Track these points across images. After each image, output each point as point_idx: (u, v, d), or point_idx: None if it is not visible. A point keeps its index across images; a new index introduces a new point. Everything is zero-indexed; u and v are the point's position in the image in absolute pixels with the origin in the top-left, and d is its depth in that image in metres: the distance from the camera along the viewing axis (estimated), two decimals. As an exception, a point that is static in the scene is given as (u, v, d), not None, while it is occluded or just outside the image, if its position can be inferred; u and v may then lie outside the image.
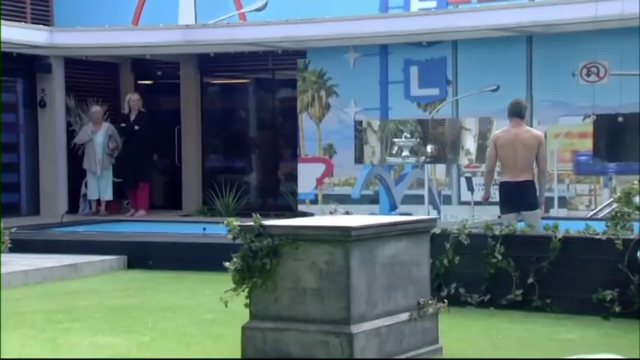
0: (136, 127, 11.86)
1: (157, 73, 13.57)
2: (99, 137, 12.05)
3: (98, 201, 12.27)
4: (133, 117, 11.93)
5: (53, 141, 12.20)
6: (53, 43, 11.50)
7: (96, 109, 12.17)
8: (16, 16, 11.93)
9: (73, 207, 12.20)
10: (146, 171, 12.23)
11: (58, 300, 6.72)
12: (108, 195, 12.18)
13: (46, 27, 11.81)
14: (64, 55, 12.13)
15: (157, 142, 13.60)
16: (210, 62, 12.74)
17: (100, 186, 12.08)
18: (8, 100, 12.21)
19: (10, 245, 7.72)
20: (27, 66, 12.12)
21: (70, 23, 11.98)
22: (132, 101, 11.98)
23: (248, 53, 12.17)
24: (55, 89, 12.20)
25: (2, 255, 7.70)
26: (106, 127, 12.14)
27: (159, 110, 13.70)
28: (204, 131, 13.10)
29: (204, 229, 9.74)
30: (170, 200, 13.34)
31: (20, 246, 8.14)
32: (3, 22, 10.97)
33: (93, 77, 13.06)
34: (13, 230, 8.03)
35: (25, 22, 11.91)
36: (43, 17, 12.39)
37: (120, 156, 12.18)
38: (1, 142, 11.52)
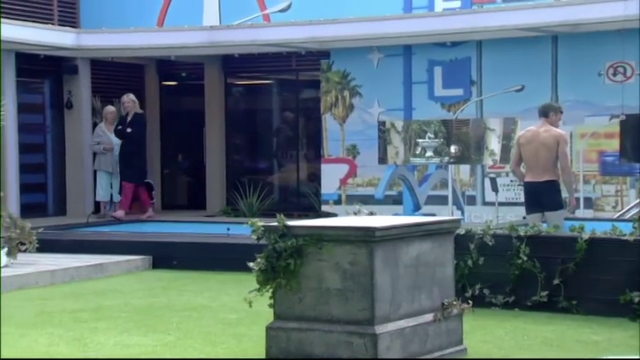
0: (128, 130, 11.44)
1: (181, 74, 13.65)
2: (114, 137, 11.97)
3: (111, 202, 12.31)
4: (128, 119, 11.54)
5: (79, 142, 12.30)
6: (80, 45, 11.59)
7: (111, 108, 12.07)
8: (44, 18, 12.05)
9: (99, 207, 12.28)
10: (134, 173, 11.55)
11: (85, 299, 6.79)
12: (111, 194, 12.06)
13: (72, 29, 11.89)
14: (90, 56, 12.25)
15: (181, 142, 13.72)
16: (235, 63, 12.79)
17: (114, 187, 11.98)
18: (35, 102, 12.35)
19: (37, 245, 7.81)
20: (54, 67, 12.23)
21: (96, 25, 12.07)
22: (124, 103, 11.56)
23: (272, 54, 12.20)
24: (82, 90, 12.31)
25: (30, 255, 7.80)
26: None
27: (183, 111, 13.79)
28: (228, 132, 13.16)
29: (228, 229, 9.79)
30: (194, 200, 13.42)
31: (47, 246, 8.23)
32: (31, 24, 11.11)
33: (118, 78, 13.15)
34: (40, 230, 8.12)
35: (52, 24, 12.03)
36: (69, 19, 12.49)
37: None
38: (1, 144, 11.60)
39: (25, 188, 11.53)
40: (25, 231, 7.75)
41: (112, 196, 12.10)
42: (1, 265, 7.56)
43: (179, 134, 13.72)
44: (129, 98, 11.63)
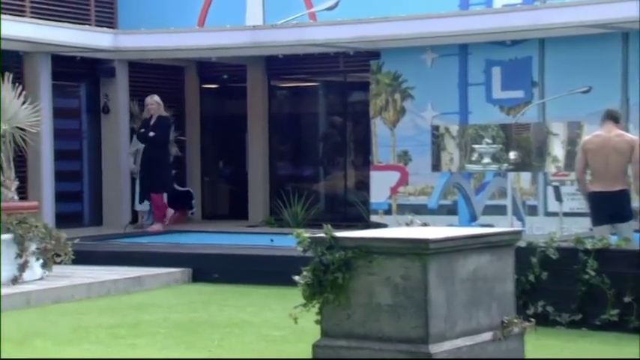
0: (151, 134, 11.33)
1: (222, 76, 13.78)
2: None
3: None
4: (152, 122, 11.44)
5: (117, 148, 12.46)
6: (117, 47, 11.76)
7: (149, 101, 12.04)
8: (80, 18, 12.24)
9: (137, 217, 12.42)
10: (160, 182, 11.47)
11: (122, 314, 6.87)
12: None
13: (110, 30, 12.08)
14: (128, 58, 12.43)
15: (222, 148, 13.84)
16: (279, 64, 12.86)
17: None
18: (71, 106, 12.56)
19: (73, 257, 7.93)
20: (90, 70, 12.44)
21: (135, 26, 12.23)
22: (147, 104, 11.48)
23: (318, 55, 12.24)
24: (119, 94, 12.49)
25: (65, 267, 7.93)
26: None
27: (224, 115, 13.91)
28: (271, 137, 13.24)
29: (272, 240, 9.84)
30: (236, 210, 13.52)
31: (83, 257, 8.36)
32: (67, 25, 11.32)
33: (157, 81, 13.28)
34: (76, 241, 8.24)
35: (89, 25, 12.20)
36: (107, 20, 12.67)
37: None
38: None
39: (60, 197, 11.73)
40: (61, 242, 7.89)
41: (150, 205, 12.25)
42: (36, 277, 7.71)
43: (220, 140, 13.85)
44: (153, 100, 11.46)
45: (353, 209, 12.36)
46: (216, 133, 13.84)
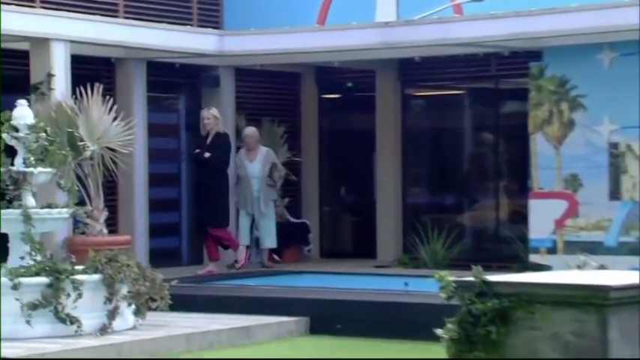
0: (206, 155, 11.38)
1: (346, 84, 13.93)
2: (255, 166, 12.26)
3: (272, 250, 12.60)
4: (208, 141, 11.53)
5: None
6: (222, 50, 12.06)
7: (249, 131, 12.34)
8: (181, 18, 12.57)
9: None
10: (220, 214, 11.49)
11: (227, 371, 7.01)
12: (270, 241, 12.28)
13: (214, 31, 12.39)
14: (234, 64, 12.73)
15: (345, 171, 13.94)
16: (415, 69, 12.89)
17: (260, 229, 12.24)
18: (168, 122, 12.92)
19: (170, 302, 8.10)
20: (191, 79, 12.81)
21: (243, 26, 12.49)
22: (203, 119, 11.55)
23: (464, 56, 12.20)
24: (224, 107, 12.70)
25: (161, 314, 8.12)
26: (264, 152, 12.32)
27: (348, 131, 14.04)
28: (405, 157, 13.26)
29: (407, 284, 9.81)
30: (362, 246, 13.58)
31: (181, 303, 8.54)
32: (165, 26, 11.69)
33: (268, 91, 13.56)
34: (173, 283, 8.45)
35: (190, 25, 12.54)
36: (211, 21, 12.99)
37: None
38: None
39: (155, 230, 12.02)
40: (156, 284, 8.08)
41: (257, 239, 12.47)
42: (128, 326, 7.94)
43: (342, 161, 13.97)
44: (210, 113, 11.53)
45: (507, 247, 12.20)
46: (338, 153, 13.97)
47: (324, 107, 14.01)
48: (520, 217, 12.11)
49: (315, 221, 13.66)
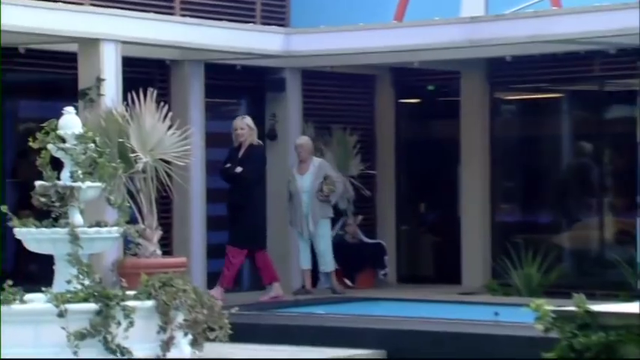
0: (238, 170, 11.23)
1: (426, 87, 13.92)
2: (305, 180, 12.22)
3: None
4: (241, 153, 11.38)
5: (287, 186, 12.57)
6: (289, 51, 12.13)
7: (301, 140, 12.29)
8: (243, 15, 12.66)
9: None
10: (252, 235, 11.30)
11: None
12: (327, 264, 12.22)
13: (280, 29, 12.45)
14: (302, 66, 12.80)
15: (426, 186, 13.90)
16: (506, 70, 12.81)
17: (316, 251, 12.18)
18: (228, 131, 12.88)
19: (229, 331, 8.15)
20: (253, 83, 12.91)
21: (311, 23, 12.55)
22: (237, 129, 11.35)
23: (562, 55, 12.10)
24: (290, 114, 12.85)
25: (221, 345, 8.18)
26: (317, 164, 12.27)
27: (429, 139, 14.01)
28: (494, 169, 13.19)
29: (497, 313, 9.75)
30: (444, 270, 13.53)
31: (243, 332, 8.58)
32: (226, 24, 11.76)
33: (339, 96, 13.61)
34: (233, 310, 8.49)
35: (253, 23, 12.63)
36: (276, 17, 13.10)
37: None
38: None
39: (213, 251, 12.05)
40: (215, 311, 8.13)
41: (317, 263, 12.43)
42: (184, 358, 8.01)
43: (423, 173, 13.94)
44: (244, 122, 11.34)
45: (613, 272, 12.05)
46: (418, 165, 13.93)
47: (401, 113, 14.01)
48: (628, 238, 11.98)
49: (392, 242, 13.65)
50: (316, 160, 12.32)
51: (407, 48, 11.81)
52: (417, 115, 14.17)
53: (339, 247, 12.98)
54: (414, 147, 13.99)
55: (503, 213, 13.30)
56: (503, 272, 12.57)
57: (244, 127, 11.35)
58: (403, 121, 14.01)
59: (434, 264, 13.95)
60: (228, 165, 11.36)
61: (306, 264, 12.23)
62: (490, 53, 12.20)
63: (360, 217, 13.31)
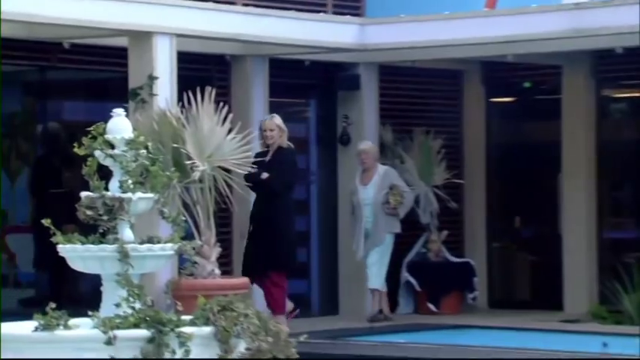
0: (264, 176, 10.88)
1: (522, 84, 13.84)
2: (368, 191, 12.28)
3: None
4: (268, 157, 11.10)
5: (350, 198, 12.62)
6: (364, 44, 12.17)
7: (365, 145, 12.36)
8: (312, 4, 12.72)
9: (392, 300, 12.65)
10: (283, 254, 10.94)
11: None
12: (377, 282, 12.22)
13: (354, 19, 12.49)
14: (379, 60, 12.85)
15: (521, 197, 13.82)
16: (616, 63, 12.66)
17: (371, 268, 12.20)
18: (295, 134, 13.00)
19: (298, 362, 8.21)
20: (323, 81, 13.00)
21: (390, 12, 12.55)
22: (265, 130, 11.06)
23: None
24: (365, 115, 12.89)
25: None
26: (382, 173, 12.34)
27: (525, 144, 13.94)
28: (601, 178, 13.08)
29: (605, 344, 9.67)
30: (543, 294, 13.44)
31: (313, 363, 8.67)
32: (293, 14, 11.81)
33: (422, 95, 13.62)
34: (302, 338, 8.52)
35: (324, 13, 12.65)
36: (350, 6, 13.13)
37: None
38: None
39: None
40: (281, 339, 8.13)
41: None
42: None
43: (518, 183, 13.88)
44: (273, 123, 11.04)
45: None
46: (512, 173, 13.89)
47: (493, 114, 13.98)
48: None
49: (482, 261, 13.64)
50: (381, 169, 12.39)
51: (499, 39, 11.79)
52: (511, 116, 14.13)
53: (422, 266, 13.01)
54: (508, 152, 13.97)
55: (611, 228, 13.20)
56: (612, 297, 12.44)
57: (274, 127, 11.04)
58: (495, 123, 13.99)
59: (531, 287, 13.90)
60: (254, 170, 10.82)
61: (376, 283, 12.22)
62: (597, 44, 12.09)
63: (445, 233, 13.30)
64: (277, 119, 11.11)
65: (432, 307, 12.77)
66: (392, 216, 12.24)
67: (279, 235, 10.98)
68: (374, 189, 12.25)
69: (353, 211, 12.34)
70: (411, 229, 13.03)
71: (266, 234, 10.96)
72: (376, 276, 12.22)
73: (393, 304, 12.76)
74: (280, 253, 10.97)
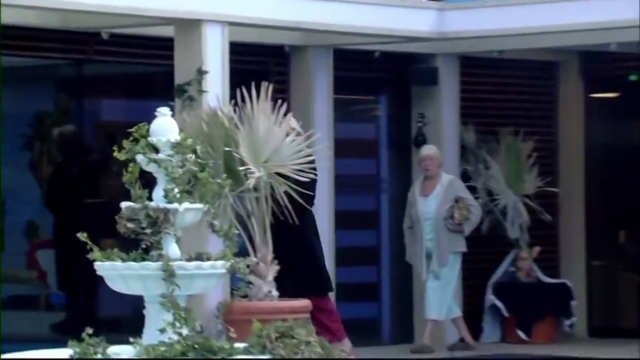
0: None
1: (627, 77, 13.77)
2: (430, 204, 12.33)
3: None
4: None
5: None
6: (443, 32, 12.18)
7: (427, 150, 12.38)
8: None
9: (474, 326, 12.70)
10: (311, 277, 10.82)
11: None
12: (434, 311, 12.23)
13: (431, 3, 12.45)
14: (459, 51, 12.89)
15: (624, 207, 13.74)
16: None
17: (426, 290, 12.25)
18: (363, 136, 13.19)
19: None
20: (396, 74, 13.01)
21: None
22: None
23: None
24: (444, 113, 12.92)
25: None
26: (445, 183, 12.37)
27: (633, 146, 13.89)
28: None
29: None
30: (629, 318, 13.37)
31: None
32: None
33: (510, 90, 13.63)
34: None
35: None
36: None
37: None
38: None
39: (344, 292, 12.06)
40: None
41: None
42: None
43: (623, 191, 13.82)
44: (287, 124, 10.79)
45: None
46: (616, 180, 13.86)
47: (594, 112, 13.95)
48: None
49: (581, 282, 13.61)
50: (445, 178, 12.42)
51: (600, 26, 11.75)
52: (615, 114, 14.09)
53: (510, 288, 12.97)
54: (611, 156, 13.94)
55: None
56: None
57: (288, 128, 10.78)
58: (596, 122, 13.97)
59: (638, 312, 13.79)
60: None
61: (434, 314, 12.21)
62: None
63: (537, 250, 13.25)
64: (292, 121, 10.81)
65: (522, 334, 12.75)
66: (456, 233, 12.27)
67: (296, 255, 10.77)
68: (436, 201, 12.31)
69: (411, 225, 12.35)
70: (497, 245, 13.02)
71: (282, 255, 10.61)
72: (436, 303, 12.22)
73: (477, 331, 12.74)
74: (314, 274, 10.86)
